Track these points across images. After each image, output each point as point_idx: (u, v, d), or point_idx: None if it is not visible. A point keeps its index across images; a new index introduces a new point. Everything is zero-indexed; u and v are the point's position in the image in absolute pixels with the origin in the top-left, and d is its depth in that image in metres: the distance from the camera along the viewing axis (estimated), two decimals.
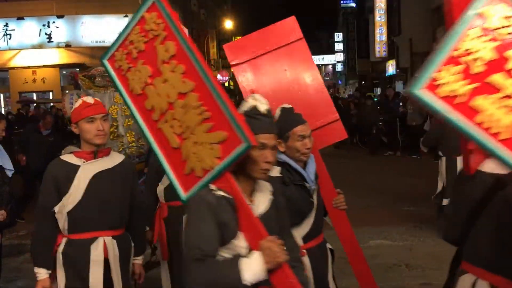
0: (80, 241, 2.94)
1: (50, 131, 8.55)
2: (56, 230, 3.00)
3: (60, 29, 22.23)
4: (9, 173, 4.36)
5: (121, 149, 7.20)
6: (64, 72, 24.59)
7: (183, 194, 2.31)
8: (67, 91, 6.20)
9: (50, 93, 23.65)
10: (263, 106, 2.27)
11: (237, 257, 2.10)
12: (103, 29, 22.11)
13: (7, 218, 4.15)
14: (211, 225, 2.10)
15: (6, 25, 22.02)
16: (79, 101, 3.12)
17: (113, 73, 2.67)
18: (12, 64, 22.82)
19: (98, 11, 22.41)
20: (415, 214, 7.70)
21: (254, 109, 2.26)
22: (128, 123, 7.51)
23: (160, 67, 2.44)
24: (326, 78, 65.62)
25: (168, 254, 4.30)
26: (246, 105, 2.31)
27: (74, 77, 6.45)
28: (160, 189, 4.25)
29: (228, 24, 39.00)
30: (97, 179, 2.98)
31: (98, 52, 23.85)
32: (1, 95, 24.01)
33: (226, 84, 39.38)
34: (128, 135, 7.41)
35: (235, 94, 28.14)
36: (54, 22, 22.13)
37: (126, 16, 22.51)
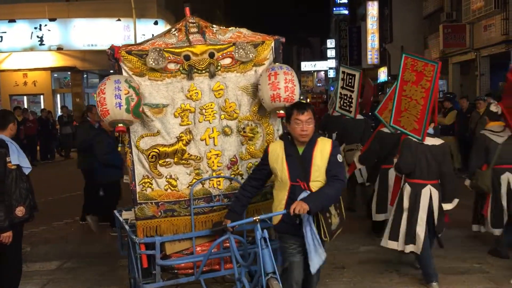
0: None
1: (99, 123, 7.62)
2: None
3: (52, 32, 21.46)
4: (26, 171, 4.51)
5: (193, 180, 4.29)
6: (56, 75, 24.42)
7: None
8: (106, 78, 4.10)
9: (41, 96, 22.73)
10: None
11: None
12: (95, 32, 21.44)
13: (26, 213, 4.46)
14: None
15: None
16: None
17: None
18: (3, 66, 21.94)
19: (90, 15, 21.55)
20: None
21: None
22: (212, 136, 4.33)
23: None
24: (318, 85, 65.70)
25: None
26: None
27: (113, 56, 4.14)
28: None
29: None
30: None
31: (90, 55, 22.85)
32: None
33: None
34: (210, 156, 4.36)
35: None
36: (46, 25, 21.42)
37: (118, 20, 21.89)
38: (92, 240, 7.20)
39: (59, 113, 20.47)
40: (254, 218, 3.71)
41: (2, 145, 4.36)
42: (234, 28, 4.52)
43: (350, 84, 6.54)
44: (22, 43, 21.54)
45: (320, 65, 59.40)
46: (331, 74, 53.37)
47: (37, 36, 21.59)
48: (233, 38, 4.39)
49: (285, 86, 4.16)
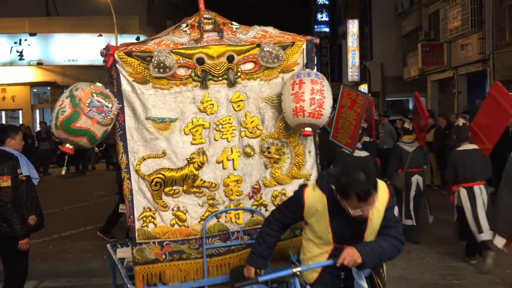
0: None
1: None
2: None
3: (32, 47, 21.03)
4: (35, 182, 4.69)
5: (207, 213, 3.42)
6: (35, 90, 24.05)
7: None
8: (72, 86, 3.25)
9: (20, 112, 21.95)
10: None
11: None
12: (76, 47, 21.08)
13: (37, 222, 4.59)
14: None
15: None
16: None
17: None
18: None
19: (71, 30, 21.14)
20: None
21: None
22: (230, 157, 3.48)
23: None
24: None
25: None
26: None
27: (107, 55, 3.31)
28: None
29: None
30: None
31: (71, 70, 22.72)
32: None
33: None
34: (228, 183, 3.48)
35: None
36: (26, 39, 21.00)
37: (100, 35, 21.50)
38: (70, 259, 7.05)
39: (38, 128, 20.20)
40: (294, 271, 2.74)
41: (12, 157, 4.47)
42: (257, 26, 3.68)
43: None
44: (1, 58, 20.91)
45: None
46: None
47: (17, 51, 21.13)
48: (256, 38, 3.54)
49: (311, 98, 3.30)
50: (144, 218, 3.33)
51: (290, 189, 3.54)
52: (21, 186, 4.48)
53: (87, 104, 3.10)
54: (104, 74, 3.31)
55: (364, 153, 6.42)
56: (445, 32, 19.48)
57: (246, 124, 3.51)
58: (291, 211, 2.91)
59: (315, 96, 3.33)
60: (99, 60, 21.52)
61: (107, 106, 3.16)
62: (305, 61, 3.62)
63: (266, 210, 3.52)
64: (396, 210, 2.82)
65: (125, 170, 3.33)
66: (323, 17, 45.12)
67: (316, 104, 3.33)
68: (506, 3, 16.21)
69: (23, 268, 4.64)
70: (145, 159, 3.35)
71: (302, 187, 2.91)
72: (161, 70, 3.25)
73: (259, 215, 3.48)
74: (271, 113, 3.57)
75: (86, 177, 15.35)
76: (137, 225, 3.32)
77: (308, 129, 3.41)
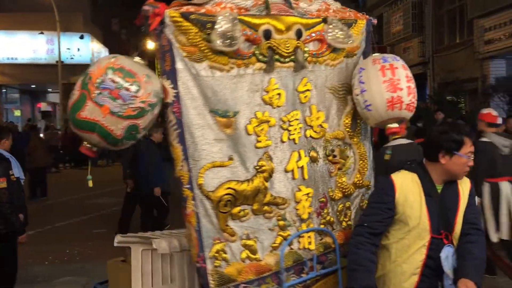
0: None
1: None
2: None
3: None
4: (21, 182, 4.82)
5: (278, 239, 2.60)
6: None
7: None
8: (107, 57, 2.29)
9: None
10: None
11: None
12: (16, 45, 20.05)
13: (24, 220, 4.80)
14: None
15: None
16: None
17: None
18: None
19: (11, 27, 19.99)
20: None
21: None
22: (300, 164, 2.67)
23: None
24: None
25: None
26: None
27: (154, 14, 2.22)
28: None
29: (151, 45, 38.61)
30: None
31: (10, 69, 20.49)
32: None
33: None
34: (300, 198, 2.65)
35: None
36: None
37: (41, 33, 20.78)
38: (26, 264, 6.79)
39: None
40: None
41: (4, 159, 4.56)
42: None
43: None
44: None
45: None
46: None
47: None
48: (321, 11, 2.75)
49: (407, 86, 2.68)
50: (216, 255, 2.37)
51: (352, 201, 2.85)
52: (12, 186, 4.57)
53: (96, 85, 2.11)
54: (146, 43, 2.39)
55: None
56: (388, 35, 20.12)
57: (311, 121, 2.68)
58: (379, 210, 2.31)
59: (411, 84, 2.71)
60: (40, 58, 20.51)
61: (127, 89, 2.14)
62: (364, 44, 2.89)
63: (333, 229, 2.75)
64: (477, 197, 2.36)
65: (188, 186, 2.32)
66: None
67: (413, 94, 2.70)
68: (444, 8, 16.97)
69: (15, 262, 4.79)
70: (208, 169, 2.36)
71: (386, 177, 2.38)
72: (227, 42, 2.27)
73: (328, 237, 2.69)
74: (335, 107, 2.79)
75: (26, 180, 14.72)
76: (209, 265, 2.34)
77: (395, 125, 2.71)
